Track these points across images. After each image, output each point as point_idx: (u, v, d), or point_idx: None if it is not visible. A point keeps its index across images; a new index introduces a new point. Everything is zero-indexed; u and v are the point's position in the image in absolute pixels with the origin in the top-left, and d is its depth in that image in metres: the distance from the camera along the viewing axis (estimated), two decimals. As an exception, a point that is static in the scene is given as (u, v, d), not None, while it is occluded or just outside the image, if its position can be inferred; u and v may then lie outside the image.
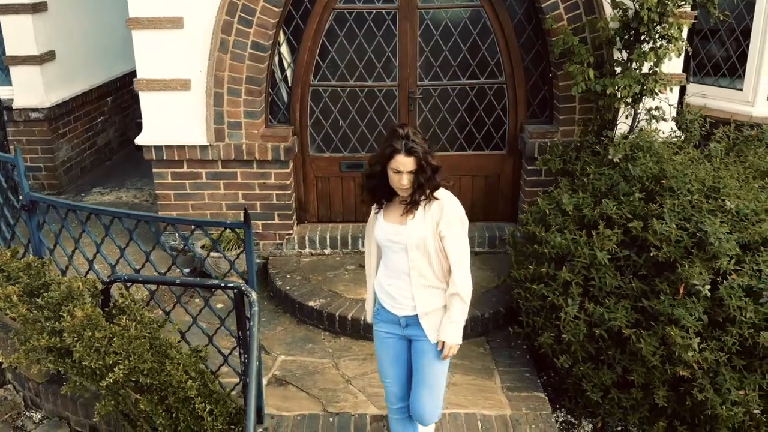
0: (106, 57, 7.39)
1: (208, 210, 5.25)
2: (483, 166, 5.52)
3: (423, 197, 2.96)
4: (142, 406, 3.33)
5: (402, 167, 2.89)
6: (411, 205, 2.98)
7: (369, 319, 3.40)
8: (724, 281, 3.57)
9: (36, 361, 3.28)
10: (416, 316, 3.10)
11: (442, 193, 3.03)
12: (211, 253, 4.68)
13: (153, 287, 3.57)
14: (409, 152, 2.88)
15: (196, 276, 4.95)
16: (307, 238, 5.43)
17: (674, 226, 3.76)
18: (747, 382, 3.56)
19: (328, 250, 5.45)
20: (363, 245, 5.41)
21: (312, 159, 5.45)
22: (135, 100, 7.53)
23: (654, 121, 4.74)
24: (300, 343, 4.60)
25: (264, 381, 4.18)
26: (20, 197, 3.77)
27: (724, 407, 3.49)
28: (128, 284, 3.55)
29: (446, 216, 3.00)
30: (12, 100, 6.40)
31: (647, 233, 3.85)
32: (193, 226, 3.65)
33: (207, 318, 3.87)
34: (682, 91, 5.41)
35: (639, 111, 4.78)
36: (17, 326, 3.63)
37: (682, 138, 4.86)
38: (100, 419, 3.97)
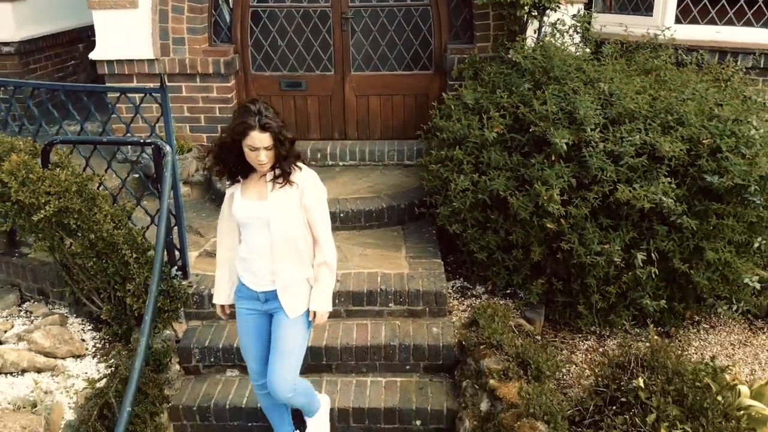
0: (77, 5, 7.87)
1: (156, 123, 5.74)
2: (412, 85, 6.00)
3: (289, 168, 2.96)
4: (74, 248, 3.83)
5: (258, 143, 2.83)
6: (283, 177, 2.97)
7: (220, 300, 3.32)
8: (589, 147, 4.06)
9: (-20, 205, 3.78)
10: (275, 291, 3.10)
11: (300, 164, 3.05)
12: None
13: (87, 154, 4.04)
14: (264, 128, 2.83)
15: (149, 180, 5.43)
16: (250, 151, 5.90)
17: (553, 105, 4.25)
18: (611, 237, 4.05)
19: (269, 162, 5.93)
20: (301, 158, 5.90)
21: (254, 78, 5.93)
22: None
23: (559, 34, 5.22)
24: (233, 230, 5.08)
25: (195, 254, 4.69)
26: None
27: (588, 257, 3.98)
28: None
29: (309, 187, 3.02)
30: (-17, 36, 6.89)
31: (530, 115, 4.33)
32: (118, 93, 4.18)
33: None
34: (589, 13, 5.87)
35: (543, 24, 5.25)
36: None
37: (586, 50, 5.33)
38: (43, 272, 4.47)
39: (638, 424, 3.10)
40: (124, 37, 5.51)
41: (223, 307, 3.37)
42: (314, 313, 3.16)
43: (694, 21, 6.01)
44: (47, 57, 7.51)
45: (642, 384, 3.23)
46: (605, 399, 3.37)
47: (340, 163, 5.93)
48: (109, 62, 5.58)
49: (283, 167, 2.95)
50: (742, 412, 3.16)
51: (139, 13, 5.45)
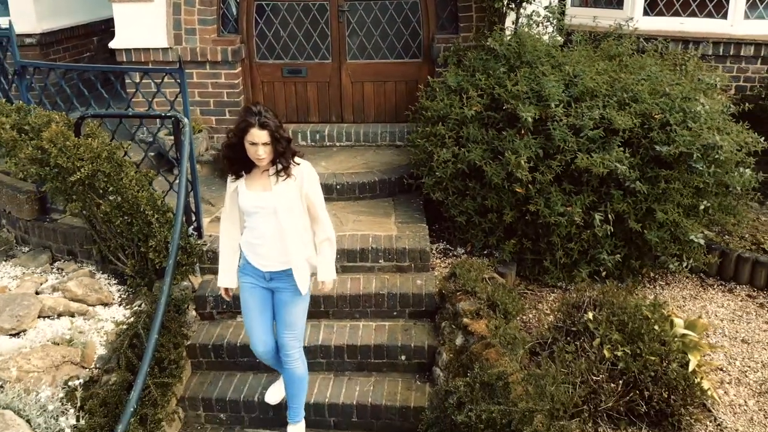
0: (91, 1, 8.46)
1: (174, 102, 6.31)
2: (403, 72, 6.56)
3: (287, 163, 3.36)
4: (104, 208, 4.40)
5: (257, 139, 3.24)
6: (284, 170, 3.37)
7: (224, 284, 3.68)
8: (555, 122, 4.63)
9: (23, 170, 4.33)
10: (281, 271, 3.52)
11: (298, 159, 3.46)
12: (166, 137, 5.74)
13: (113, 130, 4.60)
14: (263, 126, 3.23)
15: (163, 158, 6.01)
16: (255, 133, 6.47)
17: (524, 86, 4.81)
18: (573, 200, 4.61)
19: (272, 143, 6.49)
20: (301, 138, 6.47)
21: (258, 65, 6.50)
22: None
23: (534, 24, 5.78)
24: (240, 201, 5.65)
25: (207, 220, 5.25)
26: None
27: (553, 218, 4.54)
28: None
29: (308, 178, 3.45)
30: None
31: (504, 94, 4.90)
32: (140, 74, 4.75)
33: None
34: (563, 5, 6.44)
35: (520, 15, 5.81)
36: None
37: (560, 40, 5.90)
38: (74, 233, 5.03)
39: (586, 349, 3.66)
40: (140, 28, 6.06)
41: (227, 290, 3.76)
42: (322, 282, 3.62)
43: (660, 13, 6.59)
44: (65, 49, 8.07)
45: (591, 317, 3.80)
46: (562, 332, 3.94)
47: (337, 144, 6.50)
48: (127, 50, 6.14)
49: (281, 163, 3.36)
50: (676, 339, 3.71)
51: (154, 5, 6.00)
